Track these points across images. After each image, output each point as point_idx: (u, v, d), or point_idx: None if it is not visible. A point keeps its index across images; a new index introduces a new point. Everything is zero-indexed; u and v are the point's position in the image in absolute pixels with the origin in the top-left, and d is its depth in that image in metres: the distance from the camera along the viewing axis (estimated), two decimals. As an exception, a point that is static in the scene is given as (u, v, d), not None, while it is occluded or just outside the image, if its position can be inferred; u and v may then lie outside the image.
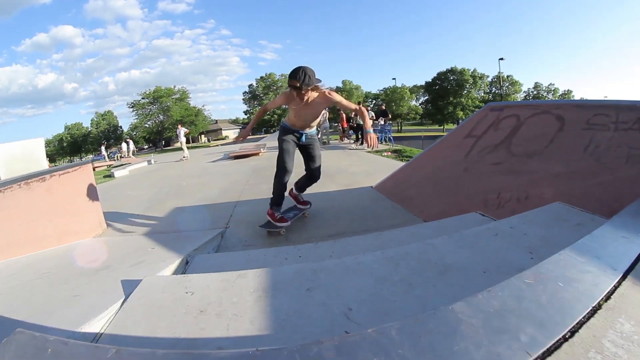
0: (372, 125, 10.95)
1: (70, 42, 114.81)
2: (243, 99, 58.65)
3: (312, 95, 2.89)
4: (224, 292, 1.35)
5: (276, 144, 3.63)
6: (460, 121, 50.18)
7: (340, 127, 13.64)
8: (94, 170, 14.46)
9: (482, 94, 52.34)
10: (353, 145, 11.21)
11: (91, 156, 37.39)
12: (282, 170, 3.25)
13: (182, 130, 15.06)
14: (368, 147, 3.54)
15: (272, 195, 3.33)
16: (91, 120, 70.42)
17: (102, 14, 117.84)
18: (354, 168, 6.43)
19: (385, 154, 8.64)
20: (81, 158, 41.83)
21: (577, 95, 63.62)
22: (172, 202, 4.97)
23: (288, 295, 1.31)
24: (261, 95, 55.49)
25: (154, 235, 3.27)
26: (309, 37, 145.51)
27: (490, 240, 1.67)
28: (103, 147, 36.02)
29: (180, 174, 8.59)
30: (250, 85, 57.97)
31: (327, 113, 13.02)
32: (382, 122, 13.04)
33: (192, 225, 3.69)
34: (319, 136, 13.27)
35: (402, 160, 7.42)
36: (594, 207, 2.01)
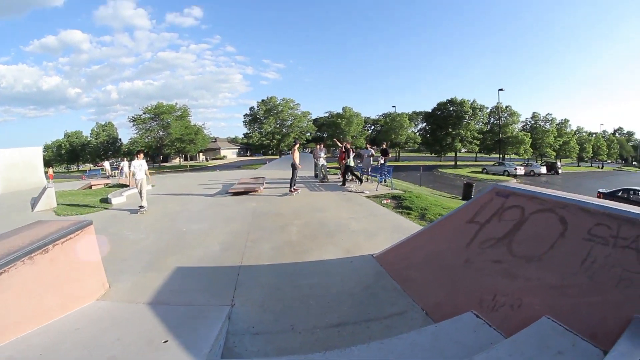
0: (371, 163, 11.10)
1: (78, 47, 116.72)
2: (244, 121, 59.18)
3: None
4: None
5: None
6: (460, 150, 51.11)
7: (340, 164, 13.74)
8: (90, 188, 14.42)
9: (481, 125, 53.27)
10: (352, 187, 11.25)
11: (89, 166, 37.16)
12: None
13: (138, 165, 8.82)
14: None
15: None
16: (91, 130, 70.77)
17: (111, 21, 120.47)
18: (354, 224, 6.47)
19: (385, 201, 8.71)
20: (78, 167, 41.66)
21: (573, 124, 65.33)
22: (173, 258, 4.96)
23: None
24: (262, 118, 55.99)
25: (158, 309, 3.31)
26: (312, 57, 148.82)
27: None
28: (107, 163, 35.84)
29: (180, 210, 8.59)
30: (251, 108, 58.81)
31: (324, 153, 13.15)
32: (382, 161, 13.19)
33: (197, 297, 3.67)
34: (318, 171, 13.43)
35: (402, 213, 7.50)
36: (578, 327, 2.13)
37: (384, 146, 14.98)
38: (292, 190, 10.34)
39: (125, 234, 6.58)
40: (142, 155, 9.23)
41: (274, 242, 5.52)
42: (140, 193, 8.67)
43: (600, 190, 15.96)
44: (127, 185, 15.71)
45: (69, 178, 35.38)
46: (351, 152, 12.17)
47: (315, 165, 13.78)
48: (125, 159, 26.67)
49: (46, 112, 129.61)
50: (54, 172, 34.31)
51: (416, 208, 7.84)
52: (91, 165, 72.70)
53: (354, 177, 12.23)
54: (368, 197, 9.52)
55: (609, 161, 79.54)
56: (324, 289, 3.75)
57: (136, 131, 53.04)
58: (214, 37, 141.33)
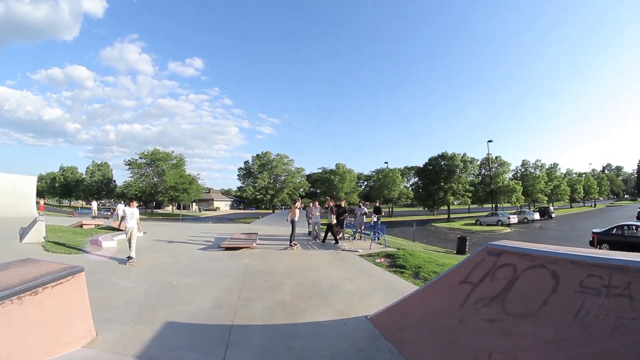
0: (364, 220, 11.15)
1: (82, 84, 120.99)
2: (238, 175, 60.04)
3: None
4: None
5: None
6: (452, 203, 51.50)
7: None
8: (81, 227, 14.25)
9: (472, 177, 54.27)
10: (345, 245, 11.26)
11: (81, 203, 36.84)
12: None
13: (130, 213, 8.53)
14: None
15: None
16: (87, 168, 71.48)
17: (116, 63, 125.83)
18: (347, 285, 6.44)
19: (379, 260, 8.72)
20: (70, 202, 41.27)
21: (563, 166, 66.84)
22: (163, 312, 4.88)
23: None
24: (256, 172, 56.85)
25: None
26: (306, 113, 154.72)
27: None
28: (94, 203, 35.55)
29: (171, 262, 8.48)
30: (246, 162, 60.01)
31: (318, 211, 13.23)
32: (375, 219, 13.31)
33: (187, 355, 3.56)
34: (311, 229, 13.42)
35: (396, 272, 7.49)
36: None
37: (377, 204, 15.21)
38: (292, 244, 10.82)
39: (115, 281, 6.50)
40: (135, 203, 9.10)
41: (266, 301, 5.45)
42: (130, 242, 8.27)
43: (594, 231, 15.64)
44: (118, 229, 15.56)
45: (60, 213, 34.85)
46: (333, 210, 12.19)
47: (309, 223, 13.79)
48: (121, 201, 26.50)
49: (44, 142, 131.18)
50: (45, 204, 33.92)
51: (410, 266, 7.85)
52: (83, 202, 72.03)
53: (335, 235, 12.05)
54: (361, 255, 9.52)
55: (601, 198, 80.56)
56: (317, 351, 3.69)
57: (131, 175, 53.46)
58: (213, 89, 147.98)
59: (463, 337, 3.23)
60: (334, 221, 12.03)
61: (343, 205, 13.05)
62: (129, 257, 8.11)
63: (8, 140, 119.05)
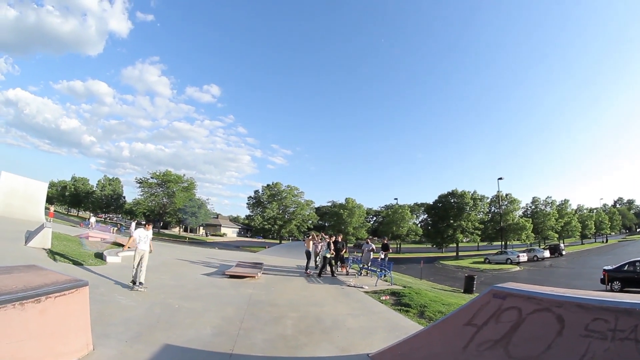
0: (371, 257, 11.03)
1: (101, 99, 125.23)
2: (247, 203, 60.27)
3: None
4: None
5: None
6: (461, 240, 50.38)
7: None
8: (87, 239, 14.31)
9: (482, 215, 53.32)
10: (352, 281, 11.07)
11: (92, 217, 37.41)
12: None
13: (145, 236, 8.06)
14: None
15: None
16: (98, 181, 72.99)
17: (136, 83, 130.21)
18: (350, 321, 6.29)
19: (384, 297, 8.54)
20: (78, 212, 41.96)
21: (574, 203, 64.76)
22: (162, 334, 4.84)
23: None
24: (265, 202, 57.01)
25: None
26: (318, 146, 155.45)
27: None
28: (93, 218, 36.06)
29: (174, 285, 8.44)
30: (256, 191, 60.34)
31: (322, 245, 13.13)
32: (383, 256, 13.14)
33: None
34: (316, 263, 13.38)
35: (400, 310, 7.31)
36: None
37: (385, 241, 15.05)
38: (308, 272, 12.30)
39: (117, 298, 6.49)
40: (151, 226, 8.49)
41: (267, 333, 5.35)
42: (139, 266, 7.55)
43: (605, 268, 15.18)
44: (123, 245, 15.61)
45: (68, 221, 35.23)
46: (331, 245, 12.21)
47: (316, 256, 13.71)
48: (135, 219, 26.93)
49: (59, 150, 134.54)
50: (55, 212, 34.48)
51: (415, 305, 7.66)
52: (91, 214, 72.99)
53: (330, 268, 12.09)
54: (367, 292, 9.34)
55: (613, 233, 77.34)
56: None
57: (141, 193, 54.07)
58: (228, 117, 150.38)
59: (466, 380, 3.12)
60: (328, 255, 12.04)
61: (340, 240, 13.00)
62: (140, 283, 7.45)
63: (24, 143, 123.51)
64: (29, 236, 10.62)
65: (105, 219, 71.13)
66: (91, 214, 41.11)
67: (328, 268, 12.14)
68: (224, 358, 4.18)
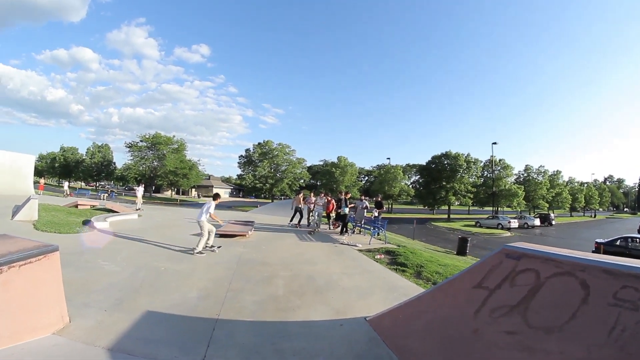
0: (364, 215, 10.76)
1: (87, 66, 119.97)
2: (238, 163, 59.14)
3: None
4: None
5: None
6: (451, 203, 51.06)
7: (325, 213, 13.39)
8: (76, 207, 14.07)
9: (475, 179, 53.68)
10: (344, 238, 10.85)
11: (65, 184, 37.10)
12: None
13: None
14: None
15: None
16: (87, 149, 71.26)
17: (122, 46, 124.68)
18: (345, 281, 6.04)
19: (379, 256, 8.34)
20: (70, 183, 41.32)
21: (565, 175, 66.86)
22: (145, 299, 4.52)
23: None
24: (256, 161, 56.07)
25: (117, 358, 3.00)
26: (310, 105, 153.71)
27: None
28: (66, 184, 35.65)
29: (162, 246, 8.09)
30: (247, 150, 58.90)
31: (321, 202, 12.82)
32: (376, 214, 12.92)
33: (163, 351, 3.19)
34: (310, 221, 13.17)
35: (396, 270, 7.10)
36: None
37: (379, 199, 14.80)
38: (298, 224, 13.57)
39: (100, 264, 6.14)
40: (219, 199, 8.32)
41: (257, 294, 5.05)
42: (209, 235, 7.80)
43: (598, 241, 15.53)
44: (114, 211, 15.26)
45: (58, 192, 34.67)
46: (347, 203, 12.02)
47: (310, 214, 13.46)
48: (141, 183, 26.43)
49: (47, 122, 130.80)
50: (45, 184, 33.92)
51: (412, 265, 7.47)
52: (82, 183, 71.96)
53: (345, 227, 11.87)
54: (360, 250, 9.12)
55: (601, 209, 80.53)
56: (310, 356, 3.30)
57: (131, 157, 52.81)
58: (218, 76, 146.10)
59: (478, 350, 2.83)
60: (346, 211, 11.97)
61: (346, 198, 12.59)
62: (212, 247, 7.96)
63: (10, 119, 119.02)
64: (16, 210, 10.29)
65: (97, 186, 70.26)
66: (64, 181, 40.26)
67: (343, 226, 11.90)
68: (210, 324, 3.86)
